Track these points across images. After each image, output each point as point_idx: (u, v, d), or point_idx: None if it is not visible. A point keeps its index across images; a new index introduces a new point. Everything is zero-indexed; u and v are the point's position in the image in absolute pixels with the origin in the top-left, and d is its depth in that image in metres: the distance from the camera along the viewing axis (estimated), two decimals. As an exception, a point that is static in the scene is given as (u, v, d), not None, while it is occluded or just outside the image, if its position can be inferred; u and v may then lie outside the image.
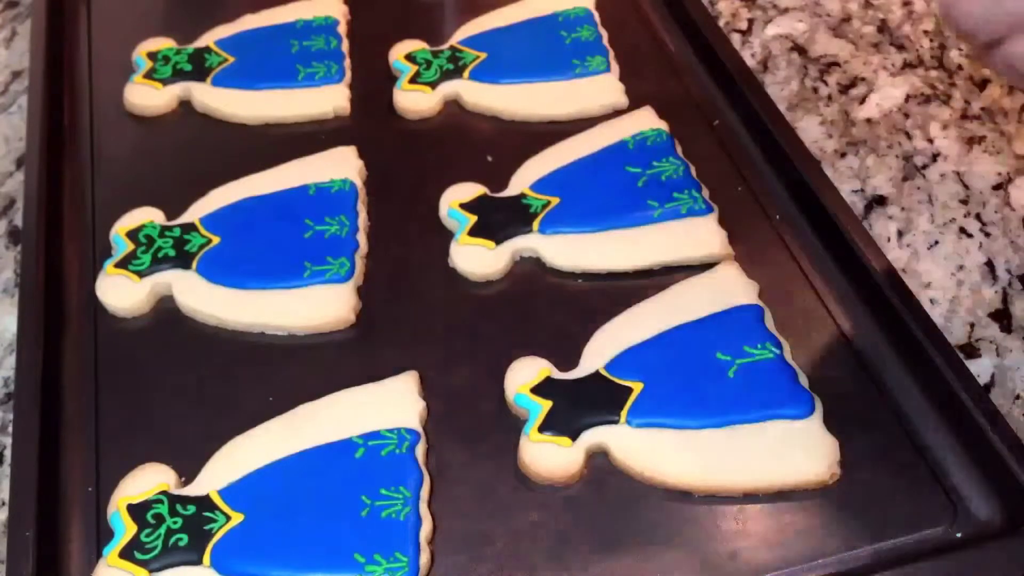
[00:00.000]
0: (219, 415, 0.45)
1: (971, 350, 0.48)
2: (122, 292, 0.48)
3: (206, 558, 0.39)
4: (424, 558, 0.39)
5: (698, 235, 0.50)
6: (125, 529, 0.40)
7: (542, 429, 0.43)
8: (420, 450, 0.43)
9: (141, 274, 0.49)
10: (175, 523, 0.40)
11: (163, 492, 0.41)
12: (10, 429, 0.43)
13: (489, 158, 0.56)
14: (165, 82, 0.59)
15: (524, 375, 0.45)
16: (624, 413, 0.43)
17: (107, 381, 0.46)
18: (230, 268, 0.49)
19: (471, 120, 0.58)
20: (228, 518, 0.40)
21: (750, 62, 0.63)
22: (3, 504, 0.43)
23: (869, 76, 0.63)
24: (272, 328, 0.48)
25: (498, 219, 0.51)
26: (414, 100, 0.58)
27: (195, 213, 0.52)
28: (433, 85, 0.58)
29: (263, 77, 0.59)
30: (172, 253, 0.49)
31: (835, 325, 0.48)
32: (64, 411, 0.45)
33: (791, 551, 0.41)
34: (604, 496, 0.42)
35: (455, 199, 0.52)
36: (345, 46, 0.61)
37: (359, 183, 0.54)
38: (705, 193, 0.52)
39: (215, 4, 0.65)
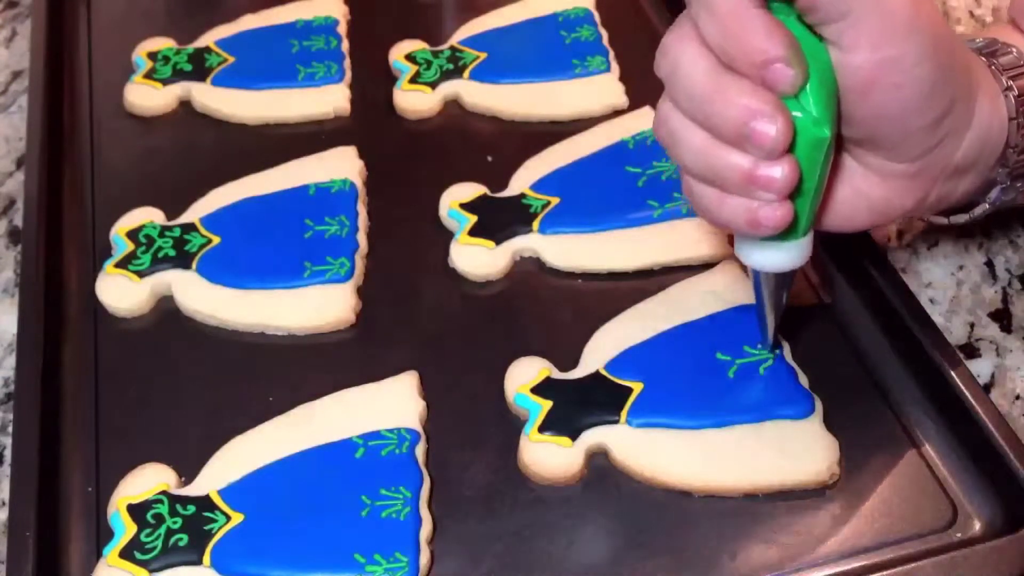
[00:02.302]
0: (219, 415, 0.45)
1: (971, 350, 0.48)
2: (122, 292, 0.48)
3: (206, 558, 0.39)
4: (424, 558, 0.39)
5: (698, 235, 0.50)
6: (125, 529, 0.40)
7: (542, 429, 0.43)
8: (420, 450, 0.43)
9: (141, 274, 0.49)
10: (175, 523, 0.40)
11: (163, 492, 0.41)
12: (10, 429, 0.43)
13: (489, 158, 0.56)
14: (165, 82, 0.59)
15: (524, 375, 0.45)
16: (624, 413, 0.43)
17: (107, 381, 0.46)
18: (230, 268, 0.49)
19: (471, 120, 0.58)
20: (228, 518, 0.40)
21: (750, 62, 0.63)
22: (3, 504, 0.43)
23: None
24: (272, 328, 0.48)
25: (498, 219, 0.51)
26: (414, 100, 0.58)
27: (195, 213, 0.52)
28: (433, 85, 0.58)
29: (263, 77, 0.59)
30: (172, 253, 0.49)
31: (835, 325, 0.48)
32: (64, 411, 0.45)
33: (791, 551, 0.41)
34: (604, 496, 0.42)
35: (455, 199, 0.52)
36: (345, 46, 0.61)
37: (359, 183, 0.54)
38: (705, 193, 0.52)
39: (215, 4, 0.65)
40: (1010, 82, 0.42)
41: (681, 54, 0.37)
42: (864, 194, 0.41)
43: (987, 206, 0.45)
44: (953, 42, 0.39)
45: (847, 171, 0.41)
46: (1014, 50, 0.43)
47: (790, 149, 0.36)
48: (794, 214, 0.37)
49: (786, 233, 0.38)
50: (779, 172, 0.35)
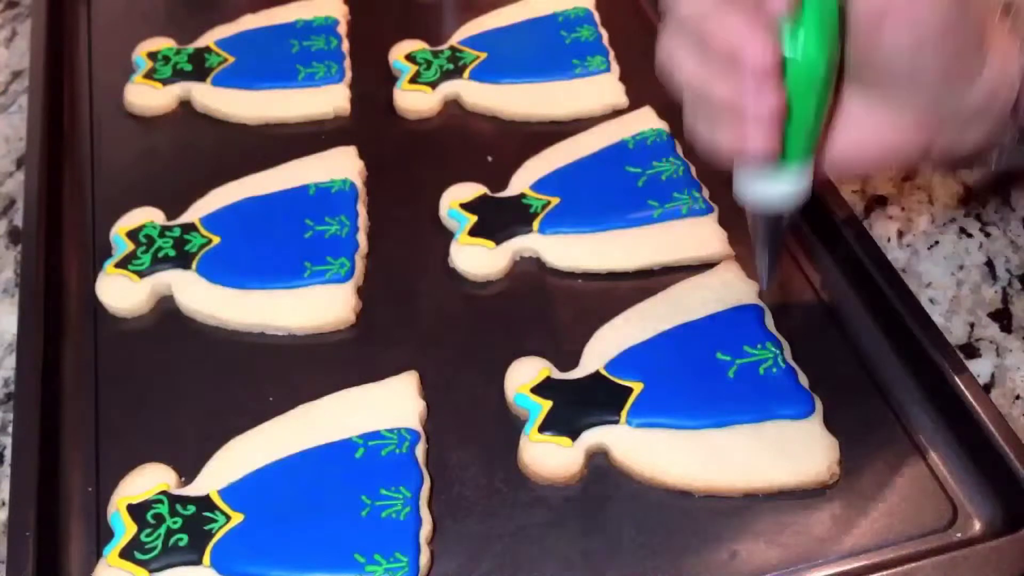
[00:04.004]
0: (219, 415, 0.45)
1: (971, 350, 0.48)
2: (122, 292, 0.48)
3: (206, 558, 0.39)
4: (424, 558, 0.39)
5: (698, 235, 0.51)
6: (125, 529, 0.40)
7: (542, 429, 0.43)
8: (420, 450, 0.43)
9: (141, 274, 0.49)
10: (175, 523, 0.40)
11: (163, 492, 0.41)
12: (10, 429, 0.43)
13: (489, 158, 0.56)
14: (165, 82, 0.59)
15: (524, 375, 0.45)
16: (624, 413, 0.43)
17: (107, 381, 0.46)
18: (230, 268, 0.49)
19: (471, 120, 0.58)
20: (228, 518, 0.40)
21: (750, 62, 0.63)
22: (3, 504, 0.43)
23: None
24: (272, 328, 0.48)
25: (498, 219, 0.51)
26: (414, 100, 0.58)
27: (195, 213, 0.52)
28: (433, 85, 0.58)
29: (263, 77, 0.59)
30: (172, 253, 0.49)
31: (835, 325, 0.48)
32: (64, 411, 0.45)
33: (791, 551, 0.41)
34: (604, 496, 0.42)
35: (455, 199, 0.52)
36: (345, 46, 0.61)
37: (359, 183, 0.54)
38: (705, 193, 0.52)
39: (215, 4, 0.65)
40: None
41: None
42: (870, 137, 0.41)
43: (996, 155, 0.44)
44: None
45: (854, 114, 0.40)
46: None
47: (783, 80, 0.36)
48: (782, 144, 0.37)
49: (780, 164, 0.38)
50: (764, 99, 0.36)
